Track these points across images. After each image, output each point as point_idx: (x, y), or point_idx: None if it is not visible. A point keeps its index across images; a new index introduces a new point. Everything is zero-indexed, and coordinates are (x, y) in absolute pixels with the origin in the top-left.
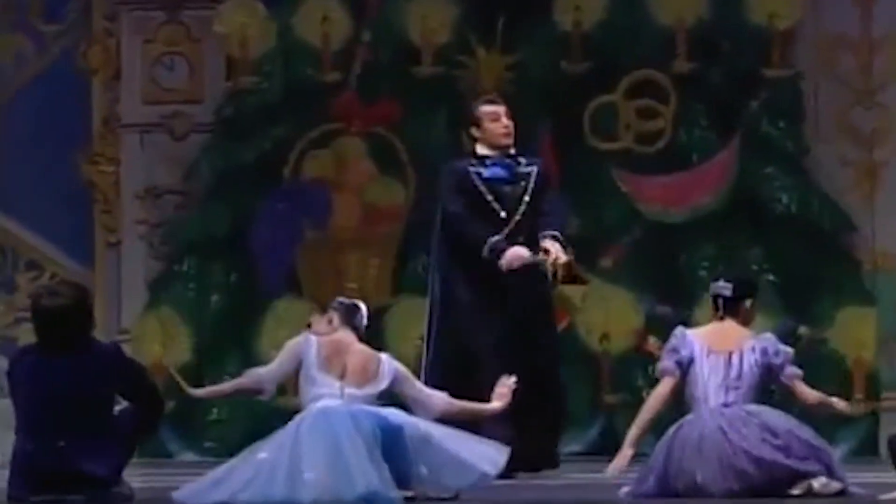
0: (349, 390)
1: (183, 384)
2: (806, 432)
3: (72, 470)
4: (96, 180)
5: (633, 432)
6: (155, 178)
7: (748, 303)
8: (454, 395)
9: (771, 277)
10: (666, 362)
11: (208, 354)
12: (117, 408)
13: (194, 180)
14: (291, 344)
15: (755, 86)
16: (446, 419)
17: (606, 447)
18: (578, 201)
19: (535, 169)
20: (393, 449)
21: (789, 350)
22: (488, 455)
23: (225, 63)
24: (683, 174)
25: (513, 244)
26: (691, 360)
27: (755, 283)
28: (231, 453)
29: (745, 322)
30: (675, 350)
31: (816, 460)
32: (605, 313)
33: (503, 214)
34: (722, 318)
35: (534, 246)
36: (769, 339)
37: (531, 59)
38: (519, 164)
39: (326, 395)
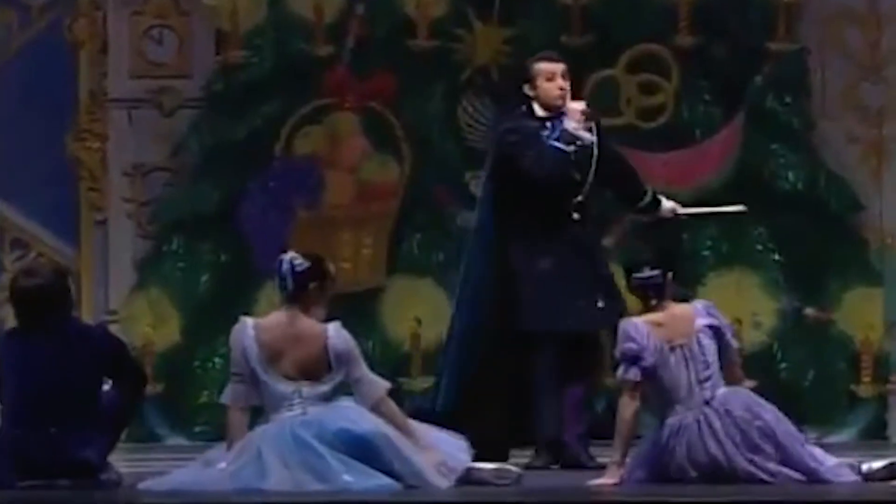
0: (306, 390)
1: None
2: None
3: (61, 456)
4: (83, 157)
5: (619, 451)
6: (143, 155)
7: (671, 276)
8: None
9: (776, 257)
10: (631, 372)
11: (198, 336)
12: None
13: (183, 157)
14: (231, 337)
15: (760, 60)
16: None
17: (609, 429)
18: None
19: (593, 124)
20: (362, 455)
21: (729, 324)
22: (455, 444)
23: (215, 36)
24: (686, 151)
25: (586, 208)
26: (656, 364)
27: (669, 253)
28: (220, 437)
29: (675, 297)
30: (638, 357)
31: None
32: None
33: (577, 177)
34: (657, 306)
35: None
36: (713, 314)
37: (529, 33)
38: (574, 125)
39: (283, 404)
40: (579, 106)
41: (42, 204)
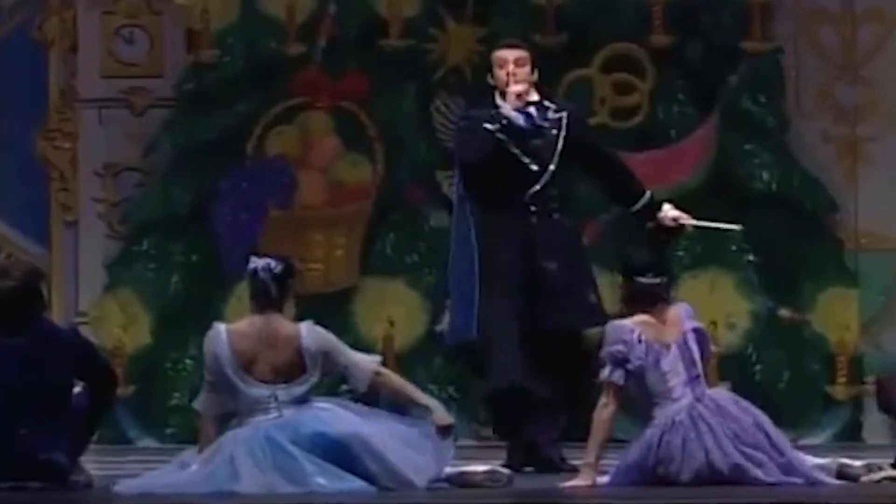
0: (281, 393)
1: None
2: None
3: (30, 457)
4: (52, 157)
5: (593, 453)
6: (113, 155)
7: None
8: None
9: (751, 257)
10: (616, 374)
11: (169, 337)
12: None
13: (154, 157)
14: (205, 343)
15: (734, 60)
16: (380, 392)
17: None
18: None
19: (564, 115)
20: (337, 457)
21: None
22: (438, 448)
23: (186, 36)
24: (661, 151)
25: (548, 197)
26: (643, 366)
27: (667, 258)
28: (192, 439)
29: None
30: (625, 360)
31: (777, 467)
32: None
33: (534, 167)
34: (652, 310)
35: (571, 202)
36: (693, 318)
37: (503, 32)
38: (545, 110)
39: (258, 409)
40: (517, 88)
41: (11, 204)
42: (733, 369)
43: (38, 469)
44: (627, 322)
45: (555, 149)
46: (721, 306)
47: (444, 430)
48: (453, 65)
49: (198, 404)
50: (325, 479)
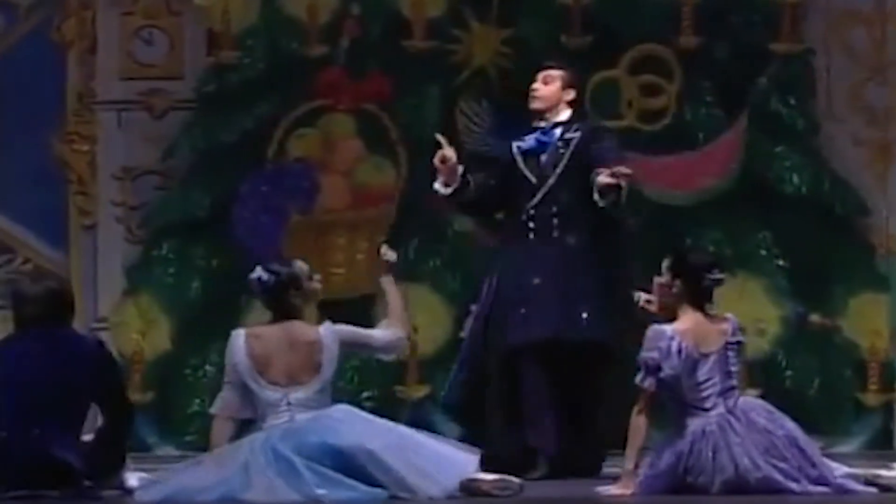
0: (295, 395)
1: None
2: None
3: (42, 456)
4: (71, 160)
5: (632, 460)
6: (132, 158)
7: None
8: None
9: (781, 262)
10: (647, 381)
11: (189, 343)
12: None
13: (174, 160)
14: (227, 351)
15: (764, 61)
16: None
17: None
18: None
19: (577, 136)
20: (345, 468)
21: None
22: (457, 459)
23: (206, 37)
24: (688, 154)
25: (548, 215)
26: (677, 375)
27: (715, 260)
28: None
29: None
30: (657, 367)
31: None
32: None
33: (533, 181)
34: (700, 310)
35: (575, 219)
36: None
37: (529, 33)
38: (567, 129)
39: (271, 412)
40: (533, 105)
41: (29, 208)
42: (763, 376)
43: (51, 469)
44: (668, 328)
45: (553, 162)
46: (750, 312)
47: None
48: (478, 66)
49: (213, 406)
50: (326, 488)
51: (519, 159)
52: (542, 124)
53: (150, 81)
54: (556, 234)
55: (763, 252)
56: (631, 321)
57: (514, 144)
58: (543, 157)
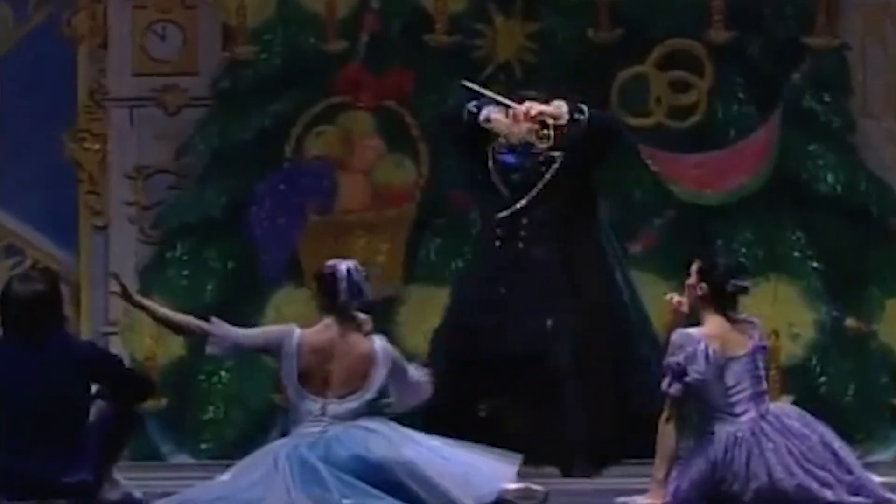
0: (332, 407)
1: (130, 292)
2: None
3: (51, 477)
4: (81, 158)
5: (662, 469)
6: (145, 157)
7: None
8: None
9: (815, 264)
10: (674, 387)
11: (203, 348)
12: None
13: (188, 159)
14: (271, 329)
15: (798, 56)
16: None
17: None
18: (605, 181)
19: (558, 159)
20: (380, 482)
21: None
22: (496, 467)
23: (221, 32)
24: (719, 152)
25: (517, 226)
26: (704, 380)
27: (742, 264)
28: (227, 454)
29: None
30: (683, 372)
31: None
32: None
33: (505, 193)
34: (728, 314)
35: (545, 231)
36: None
37: (554, 27)
38: (539, 155)
39: (306, 419)
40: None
41: (38, 208)
42: (797, 382)
43: (61, 489)
44: (695, 332)
45: (534, 185)
46: (784, 316)
47: None
48: (502, 62)
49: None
50: (353, 498)
51: (493, 169)
52: (515, 143)
53: (163, 77)
54: (521, 245)
55: (796, 254)
56: (598, 334)
57: (494, 148)
58: (516, 176)
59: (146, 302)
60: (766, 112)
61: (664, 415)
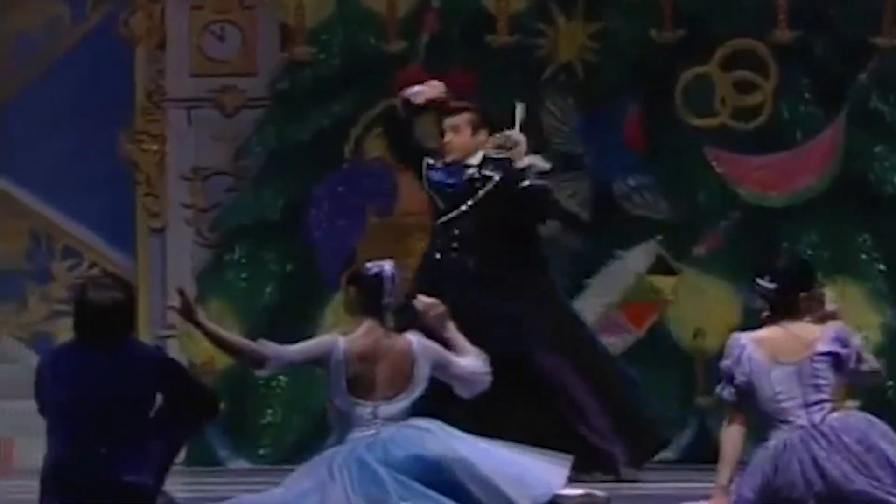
0: (383, 408)
1: (190, 308)
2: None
3: (113, 479)
4: (139, 160)
5: (723, 474)
6: (203, 158)
7: (802, 295)
8: None
9: (881, 266)
10: (726, 391)
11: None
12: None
13: (246, 160)
14: (318, 342)
15: (864, 56)
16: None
17: (700, 453)
18: (669, 183)
19: (497, 177)
20: (435, 480)
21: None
22: (548, 469)
23: (279, 32)
24: (785, 153)
25: (450, 236)
26: (750, 381)
27: (805, 270)
28: (286, 459)
29: (803, 317)
30: (730, 376)
31: None
32: (698, 306)
33: (441, 206)
34: (777, 320)
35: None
36: (841, 341)
37: (617, 27)
38: (472, 171)
39: (358, 425)
40: (447, 158)
41: (95, 209)
42: (863, 388)
43: (122, 492)
44: (743, 336)
45: (465, 200)
46: (850, 319)
47: None
48: (563, 62)
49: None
50: (412, 501)
51: (426, 184)
52: (449, 161)
53: (221, 78)
54: (455, 255)
55: (863, 256)
56: (531, 347)
57: (427, 163)
58: (449, 191)
59: (206, 322)
60: (832, 113)
61: (726, 420)
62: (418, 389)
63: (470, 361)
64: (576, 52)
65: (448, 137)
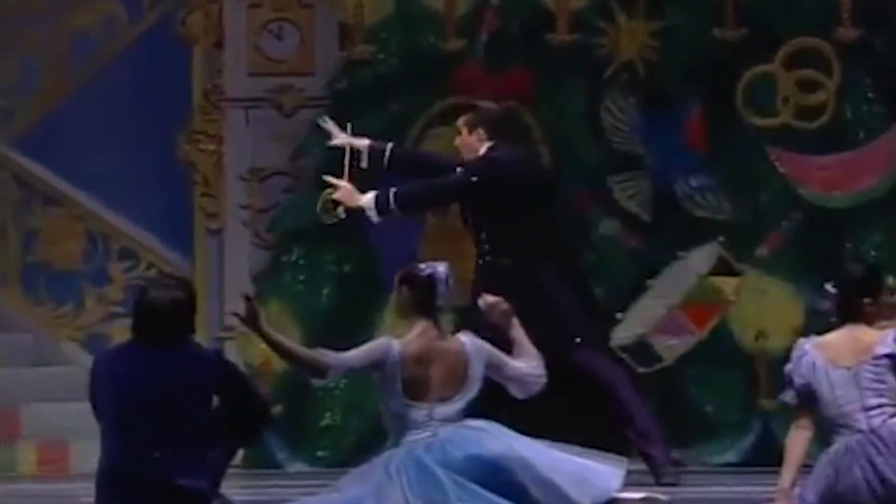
0: (439, 410)
1: (256, 316)
2: None
3: (169, 484)
4: (196, 160)
5: (785, 477)
6: (261, 158)
7: (866, 300)
8: None
9: None
10: (788, 395)
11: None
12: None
13: (304, 161)
14: (373, 346)
15: None
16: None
17: (763, 457)
18: (730, 184)
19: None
20: (494, 479)
21: None
22: (606, 469)
23: (338, 31)
24: (848, 153)
25: (478, 241)
26: (809, 385)
27: (870, 275)
28: (344, 462)
29: (870, 323)
30: (790, 379)
31: None
32: (761, 308)
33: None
34: (843, 324)
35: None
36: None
37: (679, 25)
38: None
39: (414, 427)
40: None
41: (152, 211)
42: None
43: (177, 497)
44: (805, 340)
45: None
46: None
47: None
48: (625, 61)
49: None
50: (469, 502)
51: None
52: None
53: (279, 78)
54: (489, 258)
55: None
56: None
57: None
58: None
59: (270, 331)
60: None
61: (793, 429)
62: (473, 390)
63: (525, 363)
64: (637, 50)
65: (455, 141)
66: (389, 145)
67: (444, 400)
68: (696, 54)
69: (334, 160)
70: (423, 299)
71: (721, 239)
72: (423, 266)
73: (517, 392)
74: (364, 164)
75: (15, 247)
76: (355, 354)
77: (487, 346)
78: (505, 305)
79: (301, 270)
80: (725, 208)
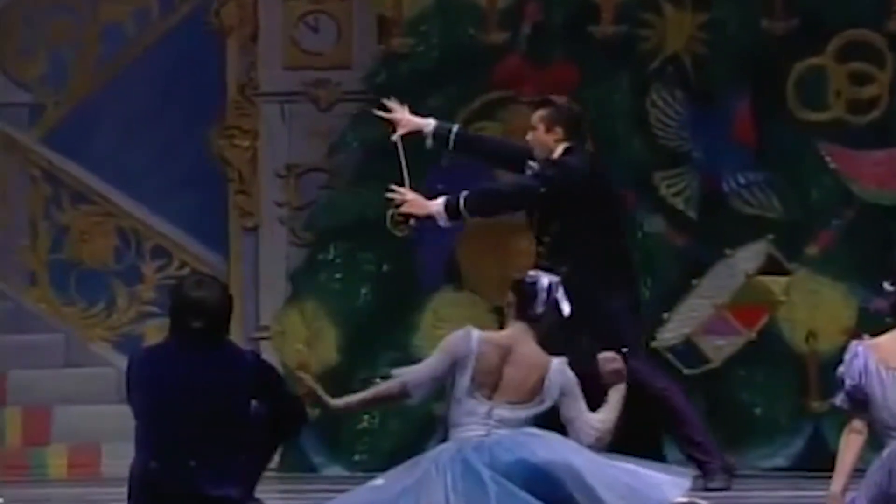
0: (499, 411)
1: (321, 393)
2: None
3: (202, 493)
4: (230, 156)
5: (836, 482)
6: (297, 154)
7: None
8: None
9: None
10: (839, 398)
11: (357, 354)
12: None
13: (341, 156)
14: (448, 340)
15: None
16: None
17: (814, 461)
18: (781, 180)
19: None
20: (540, 486)
21: None
22: (665, 480)
23: (376, 23)
24: None
25: (541, 246)
26: (861, 387)
27: None
28: (383, 467)
29: None
30: (842, 381)
31: None
32: (811, 308)
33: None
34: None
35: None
36: None
37: (727, 17)
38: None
39: (470, 423)
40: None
41: (186, 208)
42: None
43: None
44: (859, 342)
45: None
46: None
47: None
48: (671, 54)
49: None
50: None
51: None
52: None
53: (316, 71)
54: (547, 263)
55: None
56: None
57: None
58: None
59: (339, 401)
60: None
61: (847, 433)
62: (541, 407)
63: (596, 415)
64: (684, 43)
65: (528, 136)
66: (455, 127)
67: (508, 403)
68: (744, 47)
69: (372, 156)
70: (522, 305)
71: (770, 237)
72: (532, 273)
73: (572, 435)
74: (429, 144)
75: (44, 245)
76: (432, 361)
77: (572, 377)
78: (620, 365)
79: (338, 269)
80: (775, 205)
